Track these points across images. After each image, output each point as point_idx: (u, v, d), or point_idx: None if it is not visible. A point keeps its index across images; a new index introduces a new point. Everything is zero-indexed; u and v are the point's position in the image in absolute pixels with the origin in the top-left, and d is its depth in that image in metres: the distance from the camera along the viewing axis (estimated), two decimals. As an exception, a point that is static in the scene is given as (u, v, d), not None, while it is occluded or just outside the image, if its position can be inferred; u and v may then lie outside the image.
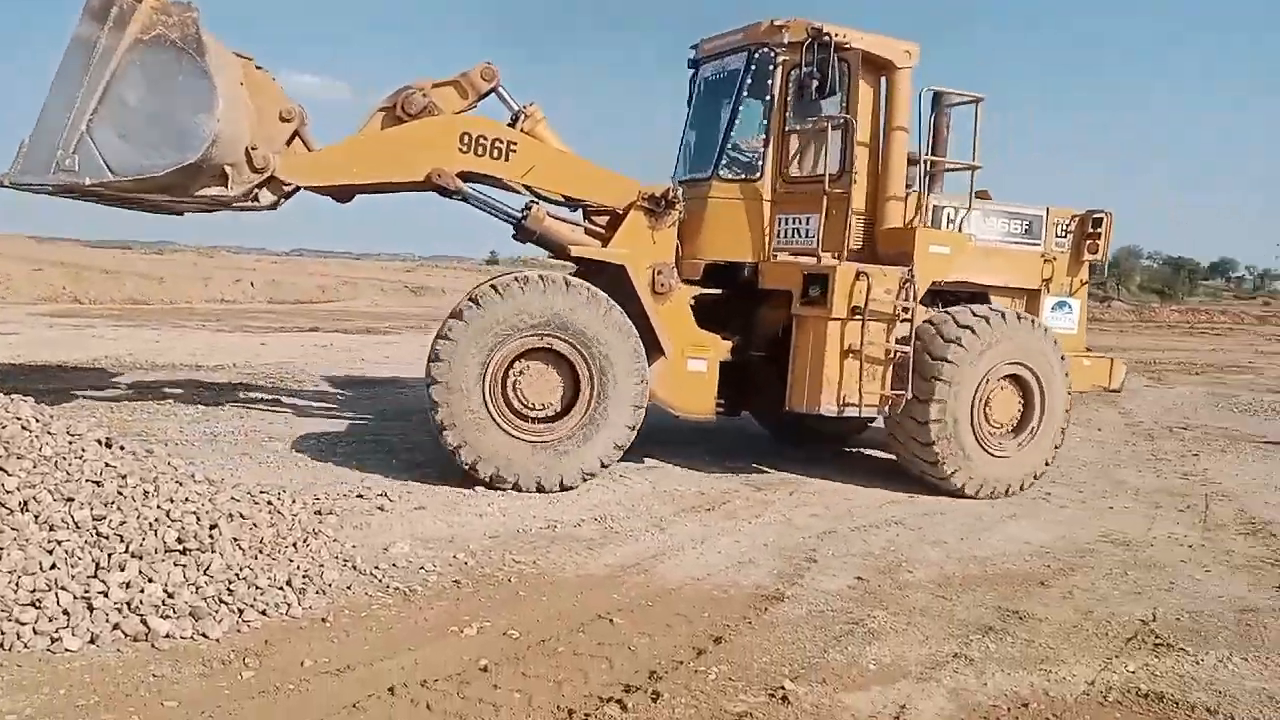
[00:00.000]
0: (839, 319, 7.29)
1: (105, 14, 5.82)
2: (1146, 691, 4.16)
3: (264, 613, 4.45)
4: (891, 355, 7.39)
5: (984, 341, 7.56)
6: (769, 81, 7.77)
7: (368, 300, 38.94)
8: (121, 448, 5.46)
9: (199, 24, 6.12)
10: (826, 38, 7.28)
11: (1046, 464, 8.07)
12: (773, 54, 7.75)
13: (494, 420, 6.81)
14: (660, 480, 7.61)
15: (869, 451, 9.51)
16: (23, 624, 3.97)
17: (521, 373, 6.93)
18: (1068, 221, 8.65)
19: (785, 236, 7.85)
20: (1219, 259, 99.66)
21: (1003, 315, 7.76)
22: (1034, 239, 8.53)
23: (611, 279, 7.34)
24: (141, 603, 4.23)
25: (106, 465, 5.04)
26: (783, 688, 3.99)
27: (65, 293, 29.70)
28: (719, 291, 8.05)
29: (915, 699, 3.99)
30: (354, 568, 5.17)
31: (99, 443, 5.38)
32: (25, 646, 3.90)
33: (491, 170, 7.36)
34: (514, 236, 7.67)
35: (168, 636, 4.12)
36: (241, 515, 5.21)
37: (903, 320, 7.41)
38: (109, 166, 5.93)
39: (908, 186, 7.95)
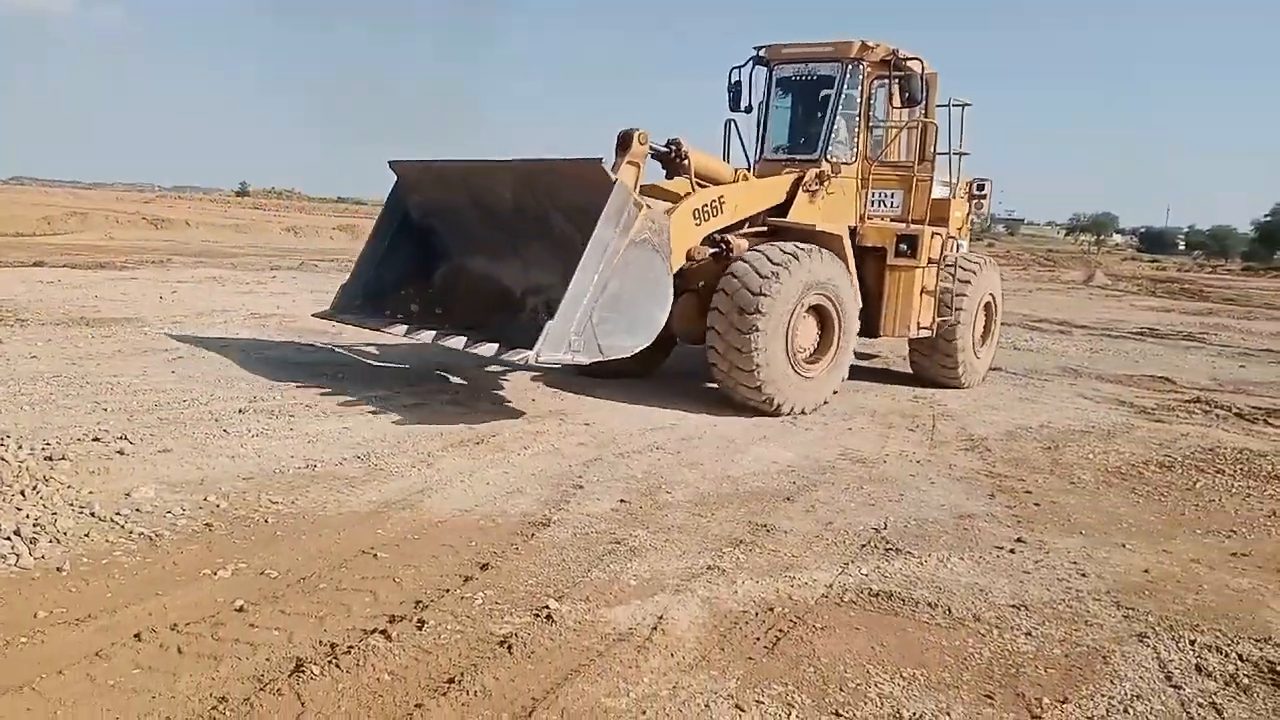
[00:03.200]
0: (922, 267, 9.51)
1: (619, 219, 7.07)
2: (878, 591, 4.58)
3: (-12, 566, 4.11)
4: (939, 291, 9.88)
5: (978, 278, 10.51)
6: (858, 89, 9.58)
7: (101, 233, 35.64)
8: None
9: (668, 228, 7.53)
10: (907, 59, 9.53)
11: (993, 358, 11.50)
12: (862, 68, 9.57)
13: (789, 363, 8.39)
14: (428, 416, 7.54)
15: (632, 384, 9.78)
16: None
17: (798, 322, 8.43)
18: (966, 186, 11.22)
19: (874, 206, 9.98)
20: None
21: (983, 260, 10.86)
22: (953, 198, 10.83)
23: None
24: None
25: None
26: (547, 607, 4.11)
27: None
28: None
29: (672, 609, 4.21)
30: (92, 514, 4.84)
31: None
32: None
33: (716, 227, 8.57)
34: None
35: None
36: (-41, 463, 4.75)
37: (948, 266, 10.02)
38: (600, 347, 7.06)
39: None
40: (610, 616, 4.10)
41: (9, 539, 4.34)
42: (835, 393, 8.99)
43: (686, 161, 8.67)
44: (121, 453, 5.90)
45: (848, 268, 9.02)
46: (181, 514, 5.00)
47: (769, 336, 8.15)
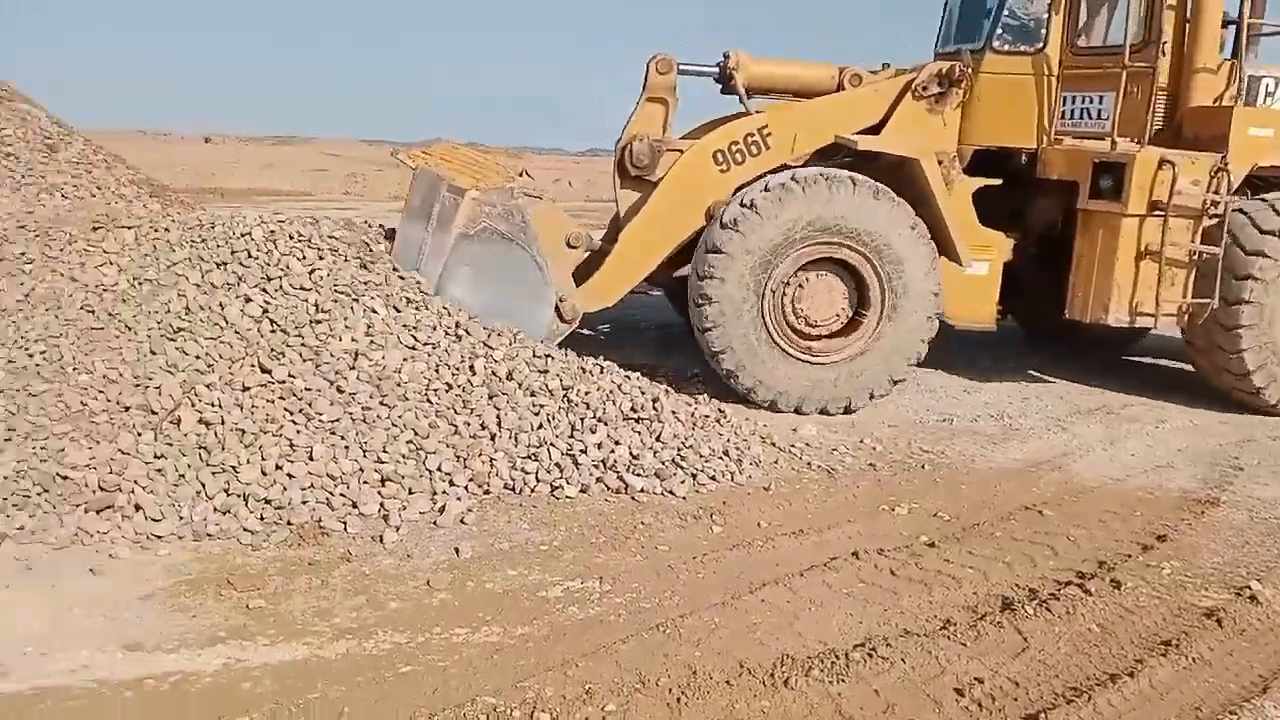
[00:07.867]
0: (1136, 215, 6.37)
1: (427, 214, 5.67)
2: None
3: (713, 478, 4.91)
4: (1196, 257, 6.47)
5: None
6: None
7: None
8: (563, 327, 6.10)
9: (525, 212, 5.78)
10: None
11: None
12: None
13: (774, 342, 6.21)
14: (1054, 383, 7.44)
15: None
16: (527, 473, 4.64)
17: (801, 286, 6.28)
18: None
19: (1072, 117, 7.01)
20: None
21: None
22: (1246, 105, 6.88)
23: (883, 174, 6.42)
24: (615, 462, 4.80)
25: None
26: (1249, 588, 3.94)
27: (402, 190, 32.51)
28: (999, 182, 6.80)
29: (1401, 613, 3.81)
30: (774, 444, 5.55)
31: (545, 321, 6.05)
32: (532, 491, 4.56)
33: (765, 167, 6.41)
34: None
35: (642, 491, 4.67)
36: (675, 392, 5.71)
37: (1212, 216, 6.42)
38: None
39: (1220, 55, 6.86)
40: (1325, 609, 3.82)
41: (721, 458, 5.14)
42: (896, 383, 6.37)
43: (734, 81, 6.74)
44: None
45: (928, 205, 6.29)
46: (846, 452, 5.55)
47: (732, 311, 6.04)
